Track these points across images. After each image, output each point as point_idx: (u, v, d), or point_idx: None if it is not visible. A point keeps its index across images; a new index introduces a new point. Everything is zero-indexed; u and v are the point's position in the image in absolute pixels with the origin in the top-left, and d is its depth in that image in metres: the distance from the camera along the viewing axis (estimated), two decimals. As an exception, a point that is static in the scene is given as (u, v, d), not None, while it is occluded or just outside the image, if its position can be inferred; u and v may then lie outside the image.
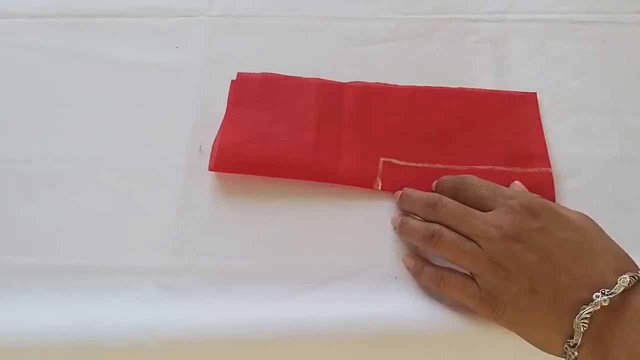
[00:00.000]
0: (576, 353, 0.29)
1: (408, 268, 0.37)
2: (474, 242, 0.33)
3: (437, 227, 0.35)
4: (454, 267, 0.35)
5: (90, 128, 0.43)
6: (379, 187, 0.40)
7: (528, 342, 0.32)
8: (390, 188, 0.40)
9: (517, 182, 0.39)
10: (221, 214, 0.39)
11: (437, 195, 0.36)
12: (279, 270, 0.37)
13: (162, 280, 0.36)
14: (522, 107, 0.43)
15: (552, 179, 0.40)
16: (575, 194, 0.39)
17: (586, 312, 0.29)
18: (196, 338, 0.33)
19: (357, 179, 0.40)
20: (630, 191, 0.40)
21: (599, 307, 0.29)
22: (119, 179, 0.40)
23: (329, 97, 0.43)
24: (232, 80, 0.44)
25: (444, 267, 0.35)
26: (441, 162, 0.41)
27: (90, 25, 0.48)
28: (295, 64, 0.45)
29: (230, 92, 0.43)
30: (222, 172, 0.40)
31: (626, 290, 0.29)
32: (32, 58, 0.46)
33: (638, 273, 0.30)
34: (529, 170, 0.40)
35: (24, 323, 0.34)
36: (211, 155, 0.40)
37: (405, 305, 0.35)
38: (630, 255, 0.32)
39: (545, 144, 0.41)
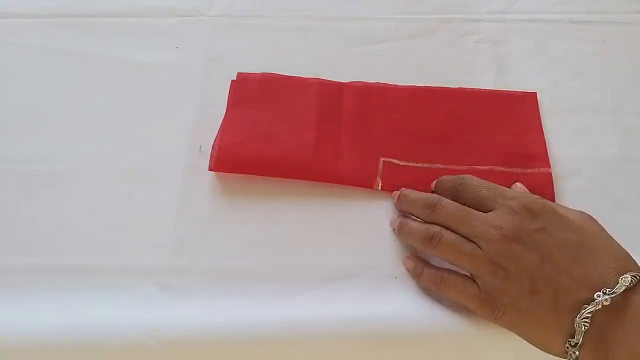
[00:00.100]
0: (577, 352, 0.29)
1: (408, 270, 0.37)
2: (474, 243, 0.33)
3: (436, 228, 0.35)
4: (454, 268, 0.35)
5: (90, 128, 0.43)
6: (379, 187, 0.40)
7: (528, 342, 0.32)
8: (390, 188, 0.40)
9: (518, 184, 0.39)
10: (221, 214, 0.39)
11: (436, 196, 0.36)
12: (279, 270, 0.37)
13: (162, 280, 0.36)
14: (522, 107, 0.43)
15: (552, 180, 0.40)
16: (575, 194, 0.39)
17: (587, 311, 0.29)
18: (196, 338, 0.33)
19: (357, 179, 0.40)
20: (630, 191, 0.40)
21: (600, 307, 0.29)
22: (119, 179, 0.40)
23: (329, 97, 0.43)
24: (232, 80, 0.44)
25: (443, 269, 0.35)
26: (441, 162, 0.41)
27: (90, 25, 0.48)
28: (295, 64, 0.45)
29: (230, 92, 0.43)
30: (222, 172, 0.40)
31: (627, 290, 0.29)
32: (32, 58, 0.46)
33: (639, 273, 0.30)
34: (529, 170, 0.40)
35: (24, 323, 0.34)
36: (211, 155, 0.40)
37: (405, 306, 0.35)
38: (633, 259, 0.32)
39: (545, 144, 0.41)
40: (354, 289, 0.36)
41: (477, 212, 0.34)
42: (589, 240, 0.32)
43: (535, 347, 0.32)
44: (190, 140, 0.42)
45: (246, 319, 0.34)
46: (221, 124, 0.41)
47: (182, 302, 0.35)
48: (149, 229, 0.38)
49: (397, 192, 0.39)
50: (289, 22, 0.48)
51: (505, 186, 0.37)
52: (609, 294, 0.29)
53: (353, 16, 0.49)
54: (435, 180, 0.39)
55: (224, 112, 0.42)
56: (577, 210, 0.34)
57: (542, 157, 0.41)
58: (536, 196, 0.36)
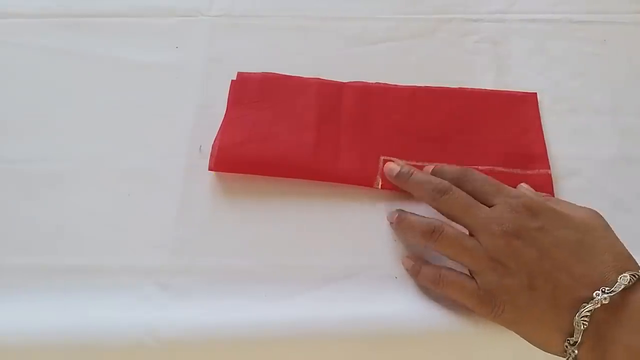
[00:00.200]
0: (576, 351, 0.29)
1: (407, 269, 0.37)
2: (475, 238, 0.33)
3: (437, 222, 0.35)
4: (452, 265, 0.35)
5: (90, 128, 0.43)
6: (379, 186, 0.40)
7: (527, 341, 0.32)
8: (390, 187, 0.40)
9: (524, 185, 0.39)
10: (221, 214, 0.39)
11: (447, 182, 0.36)
12: (279, 270, 0.37)
13: (162, 280, 0.36)
14: (522, 107, 0.43)
15: (552, 181, 0.40)
16: (575, 194, 0.39)
17: (586, 309, 0.29)
18: (196, 338, 0.33)
19: (357, 178, 0.40)
20: (630, 191, 0.40)
21: (599, 305, 0.29)
22: (119, 179, 0.40)
23: (329, 97, 0.43)
24: (232, 80, 0.44)
25: (442, 266, 0.35)
26: (441, 162, 0.40)
27: (90, 25, 0.48)
28: (295, 64, 0.45)
29: (230, 92, 0.43)
30: (222, 172, 0.40)
31: (626, 289, 0.29)
32: (32, 58, 0.46)
33: (639, 272, 0.30)
34: (529, 172, 0.40)
35: (24, 323, 0.34)
36: (211, 155, 0.40)
37: (405, 305, 0.35)
38: (633, 258, 0.32)
39: (544, 145, 0.41)
40: (354, 289, 0.36)
41: (482, 205, 0.34)
42: (589, 238, 0.32)
43: (534, 345, 0.32)
44: (190, 140, 0.42)
45: (246, 319, 0.34)
46: (221, 124, 0.41)
47: (182, 302, 0.35)
48: (149, 229, 0.38)
49: (403, 170, 0.38)
50: (289, 22, 0.48)
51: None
52: (608, 293, 0.29)
53: (353, 16, 0.49)
54: (433, 167, 0.38)
55: (224, 112, 0.42)
56: (584, 208, 0.34)
57: (541, 158, 0.41)
58: (541, 194, 0.37)
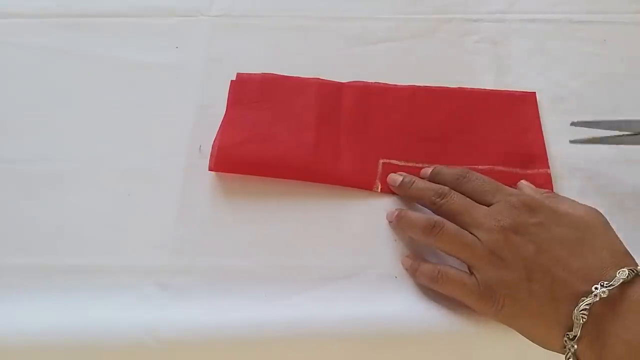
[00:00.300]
0: (575, 346, 0.30)
1: (406, 268, 0.37)
2: (474, 235, 0.34)
3: (438, 218, 0.35)
4: (451, 263, 0.35)
5: (90, 128, 0.43)
6: (379, 189, 0.40)
7: (527, 338, 0.32)
8: (389, 190, 0.40)
9: (524, 182, 0.39)
10: (221, 214, 0.39)
11: (447, 187, 0.37)
12: (279, 271, 0.37)
13: (162, 280, 0.36)
14: (522, 106, 0.43)
15: (551, 180, 0.40)
16: (575, 194, 0.39)
17: (585, 303, 0.29)
18: (196, 338, 0.33)
19: (356, 181, 0.40)
20: (630, 191, 0.40)
21: (597, 299, 0.29)
22: (119, 179, 0.40)
23: (329, 97, 0.43)
24: (232, 81, 0.44)
25: (441, 264, 0.35)
26: (441, 162, 0.41)
27: (90, 25, 0.48)
28: (295, 64, 0.45)
29: (229, 92, 0.43)
30: (222, 172, 0.40)
31: (625, 284, 0.30)
32: (32, 58, 0.46)
33: (637, 268, 0.30)
34: (529, 171, 0.40)
35: (24, 323, 0.34)
36: (211, 155, 0.40)
37: (405, 305, 0.35)
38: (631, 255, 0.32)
39: (544, 144, 0.42)
40: (353, 288, 0.36)
41: (480, 205, 0.35)
42: (588, 236, 0.32)
43: (534, 342, 0.32)
44: (190, 140, 0.42)
45: (246, 319, 0.34)
46: (221, 124, 0.41)
47: (182, 302, 0.35)
48: (149, 229, 0.38)
49: (402, 178, 0.39)
50: (289, 22, 0.49)
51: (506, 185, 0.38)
52: (606, 287, 0.29)
53: (353, 16, 0.49)
54: (431, 170, 0.39)
55: (224, 112, 0.42)
56: (583, 205, 0.34)
57: (541, 157, 0.41)
58: (542, 190, 0.37)
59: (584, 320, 0.29)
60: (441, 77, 0.45)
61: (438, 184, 0.38)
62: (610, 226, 0.33)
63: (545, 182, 0.40)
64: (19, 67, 0.46)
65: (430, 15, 0.49)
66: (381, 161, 0.41)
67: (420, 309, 0.35)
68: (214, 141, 0.41)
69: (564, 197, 0.37)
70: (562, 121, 0.43)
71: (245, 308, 0.35)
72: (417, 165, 0.41)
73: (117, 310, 0.34)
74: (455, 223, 0.35)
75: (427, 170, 0.39)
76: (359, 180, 0.40)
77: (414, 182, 0.38)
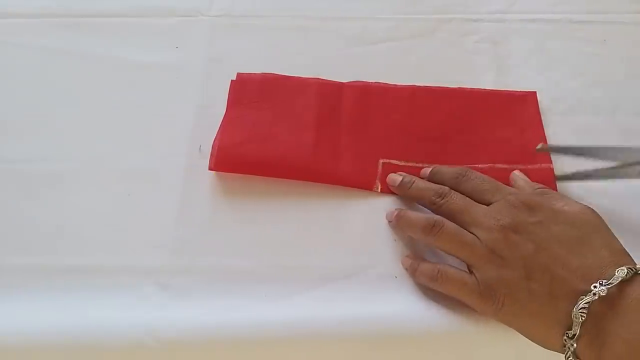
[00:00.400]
0: (575, 345, 0.30)
1: (406, 268, 0.37)
2: (473, 234, 0.34)
3: (438, 217, 0.35)
4: (451, 262, 0.35)
5: (90, 128, 0.43)
6: (379, 189, 0.40)
7: (527, 337, 0.32)
8: (389, 190, 0.40)
9: (516, 172, 0.39)
10: (221, 214, 0.39)
11: (446, 187, 0.37)
12: (279, 270, 0.37)
13: (162, 280, 0.36)
14: (522, 106, 0.43)
15: (554, 175, 0.40)
16: (575, 194, 0.39)
17: (584, 302, 0.29)
18: (196, 338, 0.33)
19: (356, 181, 0.40)
20: (630, 191, 0.40)
21: (596, 297, 0.29)
22: (119, 179, 0.40)
23: (329, 97, 0.43)
24: (232, 81, 0.44)
25: (440, 263, 0.35)
26: (441, 162, 0.41)
27: (90, 25, 0.48)
28: (295, 64, 0.45)
29: (230, 92, 0.43)
30: (222, 171, 0.40)
31: (624, 282, 0.30)
32: (32, 58, 0.46)
33: (635, 266, 0.30)
34: (530, 167, 0.40)
35: (24, 323, 0.34)
36: (211, 155, 0.40)
37: (405, 305, 0.35)
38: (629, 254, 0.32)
39: (545, 140, 0.41)
40: (354, 289, 0.36)
41: (479, 204, 0.35)
42: (586, 235, 0.32)
43: (534, 342, 0.32)
44: (190, 140, 0.42)
45: (246, 319, 0.34)
46: (221, 124, 0.41)
47: (182, 302, 0.35)
48: (149, 229, 0.38)
49: (402, 179, 0.39)
50: (289, 22, 0.49)
51: (506, 183, 0.38)
52: (605, 285, 0.29)
53: (353, 16, 0.49)
54: (430, 169, 0.39)
55: (224, 112, 0.42)
56: (579, 204, 0.34)
57: (543, 156, 0.41)
58: (536, 184, 0.37)
59: (583, 318, 0.29)
60: (441, 77, 0.45)
61: (437, 183, 0.38)
62: (606, 225, 0.33)
63: (547, 177, 0.40)
64: (19, 67, 0.46)
65: (430, 15, 0.49)
66: (381, 161, 0.41)
67: (420, 309, 0.35)
68: (214, 141, 0.41)
69: (558, 193, 0.37)
70: (562, 121, 0.43)
71: (245, 308, 0.35)
72: (417, 165, 0.41)
73: (117, 310, 0.34)
74: (455, 222, 0.35)
75: (427, 170, 0.39)
76: (359, 180, 0.40)
77: (413, 182, 0.38)
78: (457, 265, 0.35)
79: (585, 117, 0.44)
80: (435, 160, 0.41)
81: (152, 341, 0.33)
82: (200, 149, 0.41)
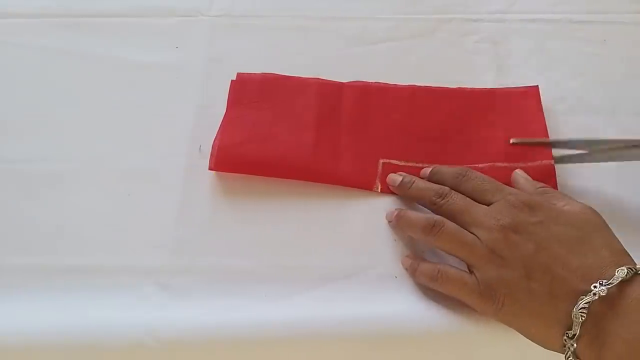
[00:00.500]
0: (575, 345, 0.30)
1: (406, 268, 0.37)
2: (473, 234, 0.34)
3: (438, 217, 0.35)
4: (451, 262, 0.35)
5: (90, 128, 0.43)
6: (379, 189, 0.40)
7: (527, 337, 0.32)
8: (389, 190, 0.40)
9: (518, 171, 0.39)
10: (221, 214, 0.39)
11: (447, 187, 0.37)
12: (279, 270, 0.37)
13: (162, 280, 0.36)
14: (524, 101, 0.43)
15: (555, 171, 0.40)
16: (575, 193, 0.39)
17: (584, 301, 0.29)
18: (196, 338, 0.33)
19: (356, 181, 0.40)
20: (630, 191, 0.40)
21: (597, 297, 0.29)
22: (119, 179, 0.40)
23: (329, 97, 0.43)
24: (232, 81, 0.44)
25: (440, 263, 0.35)
26: (441, 162, 0.41)
27: (90, 25, 0.48)
28: (295, 64, 0.45)
29: (230, 92, 0.43)
30: (222, 171, 0.40)
31: (624, 282, 0.30)
32: (32, 58, 0.46)
33: (635, 266, 0.30)
34: (530, 164, 0.40)
35: (24, 323, 0.34)
36: (211, 155, 0.40)
37: (405, 305, 0.35)
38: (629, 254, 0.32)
39: (547, 134, 0.41)
40: (354, 289, 0.36)
41: (479, 204, 0.35)
42: (587, 235, 0.32)
43: (534, 342, 0.32)
44: (190, 140, 0.42)
45: (246, 319, 0.34)
46: (221, 124, 0.41)
47: (182, 302, 0.35)
48: (149, 229, 0.38)
49: (402, 179, 0.39)
50: (289, 22, 0.49)
51: (507, 181, 0.38)
52: (605, 285, 0.29)
53: (353, 16, 0.49)
54: (430, 169, 0.39)
55: (224, 112, 0.42)
56: (580, 204, 0.34)
57: (544, 149, 0.40)
58: (538, 183, 0.37)
59: (583, 318, 0.29)
60: (441, 77, 0.45)
61: (437, 183, 0.38)
62: (607, 225, 0.33)
63: (548, 174, 0.39)
64: (19, 67, 0.46)
65: (430, 15, 0.49)
66: (381, 161, 0.41)
67: (420, 309, 0.35)
68: (214, 141, 0.41)
69: (559, 192, 0.37)
70: (562, 121, 0.43)
71: (245, 308, 0.35)
72: (417, 165, 0.41)
73: (117, 310, 0.34)
74: (455, 222, 0.35)
75: (427, 170, 0.39)
76: (359, 180, 0.40)
77: (413, 182, 0.38)
78: (457, 265, 0.35)
79: (585, 117, 0.44)
80: (435, 160, 0.41)
81: (152, 341, 0.33)
82: (200, 149, 0.41)
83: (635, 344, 0.29)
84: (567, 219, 0.33)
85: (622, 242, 0.32)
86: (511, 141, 0.40)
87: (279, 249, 0.37)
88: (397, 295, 0.36)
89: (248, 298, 0.35)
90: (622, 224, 0.34)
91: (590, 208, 0.34)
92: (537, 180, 0.38)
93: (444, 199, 0.36)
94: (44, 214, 0.39)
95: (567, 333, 0.30)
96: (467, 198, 0.36)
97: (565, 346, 0.30)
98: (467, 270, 0.34)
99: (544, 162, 0.40)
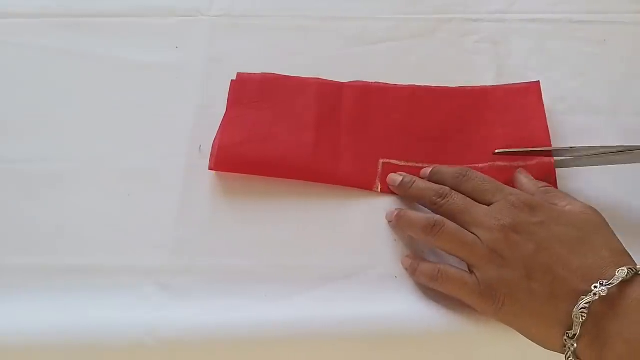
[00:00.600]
0: (575, 345, 0.30)
1: (406, 268, 0.37)
2: (474, 234, 0.34)
3: (438, 217, 0.35)
4: (451, 261, 0.35)
5: (90, 128, 0.43)
6: (379, 189, 0.40)
7: (527, 337, 0.32)
8: (389, 190, 0.40)
9: (520, 171, 0.39)
10: (221, 214, 0.39)
11: (447, 187, 0.37)
12: (279, 270, 0.37)
13: (162, 280, 0.36)
14: (525, 98, 0.43)
15: (554, 170, 0.39)
16: (575, 193, 0.39)
17: (584, 302, 0.29)
18: (196, 338, 0.33)
19: (356, 181, 0.40)
20: (630, 191, 0.40)
21: (597, 297, 0.29)
22: (119, 179, 0.40)
23: (329, 97, 0.43)
24: (232, 80, 0.44)
25: (441, 263, 0.35)
26: (441, 162, 0.41)
27: (90, 25, 0.48)
28: (295, 64, 0.45)
29: (230, 92, 0.43)
30: (222, 171, 0.40)
31: (624, 282, 0.30)
32: (32, 58, 0.46)
33: (636, 267, 0.30)
34: (529, 162, 0.40)
35: (24, 323, 0.34)
36: (211, 155, 0.40)
37: (405, 305, 0.35)
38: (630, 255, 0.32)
39: (548, 132, 0.41)
40: (354, 289, 0.36)
41: (480, 204, 0.35)
42: (587, 235, 0.33)
43: (534, 342, 0.32)
44: (190, 140, 0.42)
45: (246, 319, 0.34)
46: (221, 124, 0.41)
47: (182, 302, 0.35)
48: (149, 229, 0.38)
49: (402, 179, 0.39)
50: (289, 22, 0.48)
51: (507, 180, 0.38)
52: (606, 285, 0.29)
53: (353, 16, 0.49)
54: (430, 170, 0.39)
55: (224, 112, 0.42)
56: (582, 204, 0.35)
57: (544, 146, 0.40)
58: (540, 183, 0.37)
59: (584, 318, 0.29)
60: (441, 77, 0.45)
61: (438, 183, 0.38)
62: (608, 225, 0.33)
63: (548, 171, 0.39)
64: (19, 67, 0.46)
65: (430, 15, 0.49)
66: (381, 161, 0.41)
67: (420, 309, 0.35)
68: (214, 140, 0.41)
69: (561, 192, 0.37)
70: (562, 121, 0.43)
71: (245, 308, 0.35)
72: (417, 165, 0.41)
73: (117, 310, 0.34)
74: (455, 222, 0.35)
75: (427, 170, 0.39)
76: (359, 180, 0.40)
77: (414, 182, 0.38)
78: (457, 265, 0.35)
79: (585, 117, 0.44)
80: (436, 160, 0.41)
81: (152, 341, 0.33)
82: (200, 149, 0.41)
83: (636, 344, 0.29)
84: (568, 220, 0.33)
85: (622, 243, 0.33)
86: (495, 152, 0.40)
87: (279, 249, 0.37)
88: (397, 295, 0.36)
89: (248, 298, 0.35)
90: (621, 224, 0.34)
91: (592, 208, 0.34)
92: (537, 178, 0.38)
93: (444, 199, 0.36)
94: (44, 214, 0.39)
95: (567, 333, 0.30)
96: (468, 198, 0.36)
97: (565, 346, 0.30)
98: (468, 270, 0.34)
99: (544, 159, 0.40)
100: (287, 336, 0.34)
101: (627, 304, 0.29)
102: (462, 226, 0.34)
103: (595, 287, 0.30)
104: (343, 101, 0.43)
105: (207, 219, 0.39)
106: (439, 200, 0.36)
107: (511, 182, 0.39)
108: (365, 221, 0.39)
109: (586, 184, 0.40)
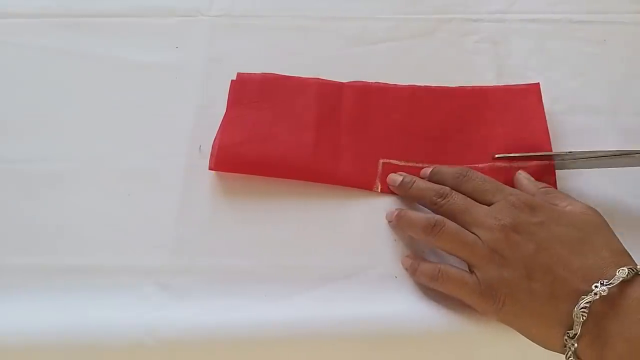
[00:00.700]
0: (576, 345, 0.30)
1: (406, 268, 0.37)
2: (474, 234, 0.34)
3: (438, 217, 0.35)
4: (451, 261, 0.35)
5: (90, 128, 0.43)
6: (379, 189, 0.40)
7: (527, 337, 0.32)
8: (389, 190, 0.40)
9: (520, 172, 0.39)
10: (221, 214, 0.39)
11: (447, 187, 0.37)
12: (279, 270, 0.37)
13: (162, 280, 0.36)
14: (525, 99, 0.43)
15: (554, 171, 0.40)
16: (575, 194, 0.39)
17: (585, 301, 0.30)
18: (196, 338, 0.33)
19: (356, 181, 0.40)
20: (630, 191, 0.40)
21: (597, 297, 0.29)
22: (119, 179, 0.40)
23: (329, 97, 0.43)
24: (232, 80, 0.44)
25: (441, 263, 0.35)
26: (441, 162, 0.41)
27: (90, 25, 0.48)
28: (295, 64, 0.45)
29: (230, 92, 0.43)
30: (222, 171, 0.40)
31: (625, 282, 0.30)
32: (32, 58, 0.46)
33: (636, 267, 0.30)
34: (529, 163, 0.40)
35: (24, 323, 0.34)
36: (211, 155, 0.40)
37: (405, 305, 0.35)
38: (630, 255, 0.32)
39: (548, 134, 0.41)
40: (354, 289, 0.36)
41: (480, 204, 0.35)
42: (588, 235, 0.33)
43: (535, 342, 0.32)
44: (190, 140, 0.42)
45: (246, 319, 0.34)
46: (221, 124, 0.41)
47: (182, 302, 0.35)
48: (149, 229, 0.38)
49: (403, 179, 0.39)
50: (289, 22, 0.48)
51: (507, 180, 0.38)
52: (606, 285, 0.29)
53: (353, 16, 0.49)
54: (430, 170, 0.39)
55: (224, 112, 0.42)
56: (582, 204, 0.35)
57: (544, 147, 0.40)
58: (540, 184, 0.37)
59: (584, 318, 0.29)
60: (441, 77, 0.45)
61: (438, 183, 0.38)
62: (608, 225, 0.33)
63: (548, 173, 0.39)
64: (19, 67, 0.46)
65: (430, 15, 0.49)
66: (381, 161, 0.41)
67: (420, 309, 0.35)
68: (214, 140, 0.41)
69: (561, 192, 0.37)
70: (562, 121, 0.43)
71: (245, 308, 0.35)
72: (417, 165, 0.41)
73: (117, 310, 0.34)
74: (455, 222, 0.35)
75: (427, 170, 0.39)
76: (359, 180, 0.40)
77: (414, 182, 0.38)
78: (457, 265, 0.35)
79: (585, 117, 0.44)
80: (436, 160, 0.41)
81: (152, 341, 0.33)
82: (200, 149, 0.41)
83: (637, 343, 0.29)
84: (568, 220, 0.33)
85: (622, 243, 0.33)
86: (495, 156, 0.40)
87: (279, 249, 0.37)
88: (397, 295, 0.36)
89: (248, 298, 0.35)
90: (621, 224, 0.34)
91: (592, 208, 0.34)
92: (537, 179, 0.38)
93: (444, 199, 0.36)
94: (44, 214, 0.39)
95: (568, 333, 0.30)
96: (468, 198, 0.36)
97: (566, 346, 0.30)
98: (468, 270, 0.34)
99: (544, 160, 0.40)
100: (287, 336, 0.34)
101: (628, 304, 0.30)
102: (462, 226, 0.34)
103: (596, 286, 0.30)
104: (343, 101, 0.43)
105: (207, 219, 0.39)
106: (439, 200, 0.36)
107: (511, 183, 0.39)
108: (365, 221, 0.39)
109: (586, 184, 0.40)
